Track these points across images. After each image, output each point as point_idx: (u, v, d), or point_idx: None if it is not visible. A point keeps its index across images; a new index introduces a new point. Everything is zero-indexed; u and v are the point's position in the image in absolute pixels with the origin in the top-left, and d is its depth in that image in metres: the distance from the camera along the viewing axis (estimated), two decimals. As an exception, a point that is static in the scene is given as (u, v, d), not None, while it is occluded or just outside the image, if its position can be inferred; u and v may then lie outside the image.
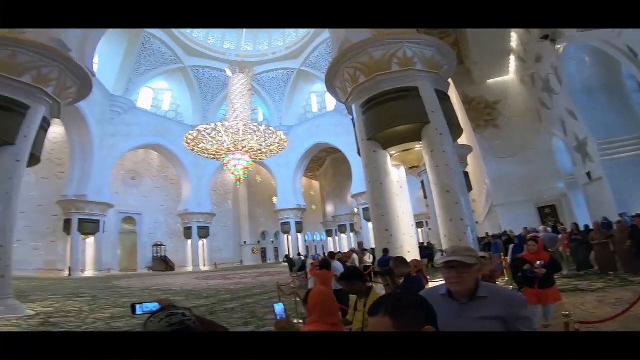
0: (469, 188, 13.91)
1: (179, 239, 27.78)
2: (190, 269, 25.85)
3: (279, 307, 2.20)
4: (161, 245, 26.95)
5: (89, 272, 19.84)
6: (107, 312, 6.96)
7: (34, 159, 7.29)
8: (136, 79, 24.38)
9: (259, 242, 34.90)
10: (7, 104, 6.71)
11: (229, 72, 22.11)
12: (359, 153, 9.01)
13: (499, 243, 10.43)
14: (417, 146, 8.30)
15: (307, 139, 28.62)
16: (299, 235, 28.63)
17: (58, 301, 8.61)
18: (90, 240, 20.42)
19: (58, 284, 13.90)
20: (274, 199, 33.84)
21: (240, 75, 21.09)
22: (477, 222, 12.38)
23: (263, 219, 35.60)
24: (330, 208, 35.40)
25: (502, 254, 9.04)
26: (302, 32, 28.30)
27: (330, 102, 29.14)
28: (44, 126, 7.63)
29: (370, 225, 21.16)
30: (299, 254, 18.22)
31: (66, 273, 19.39)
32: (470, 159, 17.36)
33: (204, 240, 27.31)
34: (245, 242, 33.75)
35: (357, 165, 22.88)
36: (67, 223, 19.85)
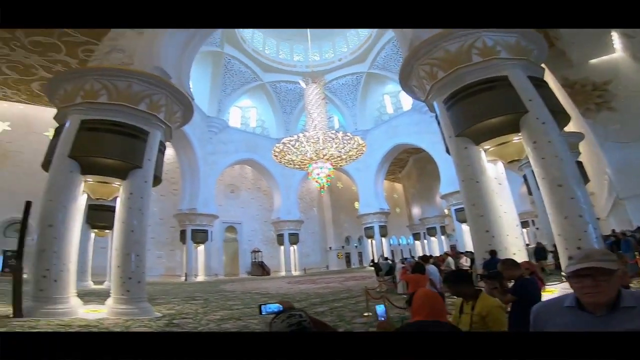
0: (585, 180, 11.94)
1: (273, 245, 29.74)
2: (283, 273, 27.44)
3: (380, 309, 2.26)
4: (258, 251, 29.19)
5: (201, 277, 22.33)
6: (218, 314, 7.47)
7: (157, 180, 8.37)
8: (225, 99, 27.01)
9: (343, 247, 35.23)
10: (133, 131, 7.69)
11: (302, 84, 22.65)
12: (447, 151, 8.49)
13: (631, 241, 8.91)
14: (516, 138, 7.47)
15: (385, 141, 28.09)
16: (384, 239, 28.06)
17: (178, 304, 9.40)
18: (201, 248, 23.09)
19: (177, 288, 15.41)
20: (356, 204, 33.92)
21: (313, 86, 21.50)
22: (598, 219, 10.52)
23: (347, 224, 35.92)
24: (416, 210, 33.94)
25: (636, 252, 7.63)
26: (363, 35, 28.23)
27: (406, 101, 28.25)
28: (161, 149, 8.62)
29: (464, 227, 19.66)
30: (386, 258, 17.87)
31: (183, 278, 21.92)
32: (582, 147, 14.93)
33: (295, 246, 28.73)
34: (330, 248, 34.41)
35: (444, 163, 21.61)
36: (183, 233, 22.89)
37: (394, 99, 30.69)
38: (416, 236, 34.64)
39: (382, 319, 2.18)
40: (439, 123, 8.79)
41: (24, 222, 6.57)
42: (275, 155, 20.49)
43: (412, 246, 37.25)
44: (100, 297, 9.24)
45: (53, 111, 8.56)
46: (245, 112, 31.27)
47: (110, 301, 7.06)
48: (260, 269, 27.60)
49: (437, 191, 26.82)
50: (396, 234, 38.87)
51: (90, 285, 15.36)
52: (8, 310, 6.37)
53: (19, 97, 21.59)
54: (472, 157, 7.63)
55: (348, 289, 12.74)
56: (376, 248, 27.33)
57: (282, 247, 28.68)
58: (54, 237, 6.51)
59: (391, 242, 34.43)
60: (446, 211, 28.35)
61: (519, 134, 7.17)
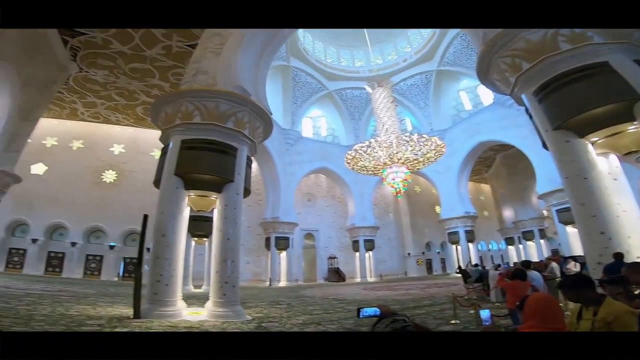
0: None
1: (348, 251, 29.81)
2: (358, 279, 27.24)
3: (485, 314, 2.19)
4: (334, 257, 29.57)
5: (283, 282, 23.35)
6: (300, 318, 7.64)
7: (247, 191, 9.05)
8: (297, 111, 28.11)
9: (423, 253, 33.61)
10: (224, 148, 8.44)
11: (368, 89, 22.56)
12: (544, 146, 7.56)
13: None
14: (631, 127, 6.34)
15: (466, 139, 26.21)
16: (470, 244, 25.97)
17: (265, 307, 9.79)
18: (283, 254, 24.21)
19: (263, 293, 16.54)
20: (437, 209, 32.19)
21: (380, 89, 21.29)
22: None
23: (427, 229, 34.26)
24: (508, 213, 30.80)
25: None
26: (426, 33, 27.06)
27: (486, 96, 26.18)
28: (249, 163, 9.28)
29: (569, 229, 17.24)
30: (475, 265, 16.54)
31: (267, 283, 23.24)
32: None
33: (370, 252, 28.39)
34: (409, 254, 33.13)
35: (540, 159, 19.39)
36: (267, 241, 24.39)
37: (471, 94, 28.69)
38: (509, 241, 31.49)
39: (487, 323, 2.15)
40: (530, 117, 7.92)
41: (142, 233, 7.73)
42: (348, 162, 20.67)
43: (504, 251, 34.17)
44: (199, 300, 10.09)
45: (156, 132, 9.90)
46: (316, 122, 32.23)
47: (209, 304, 7.67)
48: (336, 275, 27.85)
49: (533, 190, 24.06)
50: (485, 238, 35.99)
51: (191, 289, 17.05)
52: (129, 311, 7.27)
53: (128, 121, 25.51)
54: (576, 151, 6.67)
55: (431, 296, 12.25)
56: (462, 254, 25.47)
57: (357, 254, 28.55)
58: (166, 246, 7.49)
59: (479, 248, 31.88)
60: (545, 212, 25.24)
61: (634, 122, 6.11)
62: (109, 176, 25.50)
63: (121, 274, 23.93)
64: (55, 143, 25.10)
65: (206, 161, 8.19)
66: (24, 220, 22.85)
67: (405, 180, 19.35)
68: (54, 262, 23.22)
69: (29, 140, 17.00)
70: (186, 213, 8.36)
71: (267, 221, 24.41)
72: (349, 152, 20.24)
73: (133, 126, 26.07)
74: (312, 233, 30.24)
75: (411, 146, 18.36)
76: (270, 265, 23.86)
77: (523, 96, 7.78)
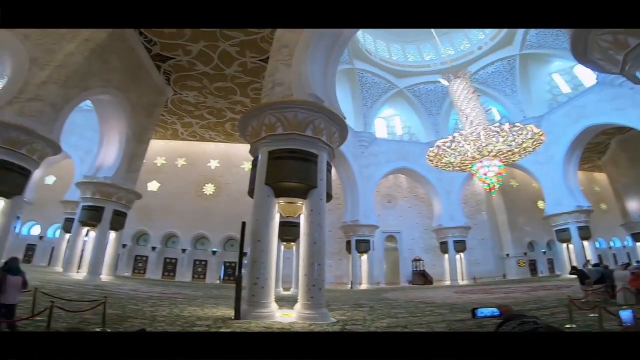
0: None
1: (435, 253, 28.24)
2: (448, 282, 25.61)
3: (626, 314, 2.08)
4: (419, 260, 28.27)
5: (364, 285, 23.14)
6: (384, 321, 7.53)
7: (329, 196, 9.27)
8: (368, 112, 27.79)
9: (525, 253, 29.99)
10: (306, 155, 8.74)
11: (444, 81, 21.52)
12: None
13: None
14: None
15: (569, 125, 22.85)
16: (585, 242, 22.34)
17: (348, 310, 9.82)
18: (364, 257, 24.08)
19: (345, 295, 16.62)
20: (540, 204, 28.57)
21: (457, 81, 20.14)
22: None
23: (528, 227, 30.53)
24: (634, 204, 25.95)
25: None
26: None
27: (587, 76, 22.98)
28: (328, 169, 9.43)
29: None
30: (596, 264, 14.20)
31: (349, 286, 23.34)
32: None
33: (461, 254, 26.43)
34: (507, 255, 29.88)
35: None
36: (348, 244, 24.59)
37: (567, 76, 25.45)
38: (636, 237, 26.70)
39: (629, 324, 2.04)
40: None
41: (241, 238, 8.44)
42: (430, 160, 19.70)
43: (631, 249, 29.40)
44: (288, 302, 10.52)
45: (244, 146, 10.76)
46: (390, 122, 31.52)
47: (297, 306, 7.94)
48: (422, 277, 26.64)
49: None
50: (604, 235, 31.29)
51: (281, 291, 17.94)
52: (231, 312, 7.90)
53: (219, 138, 28.53)
54: None
55: (538, 299, 11.16)
56: (576, 253, 22.08)
57: (446, 255, 26.87)
58: (261, 250, 8.04)
59: (597, 246, 27.42)
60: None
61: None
62: (209, 189, 28.77)
63: (222, 277, 26.59)
64: (164, 162, 29.25)
65: (291, 169, 8.58)
66: (145, 231, 27.07)
67: (499, 174, 17.67)
68: (169, 267, 26.94)
69: (144, 161, 20.24)
70: (277, 219, 8.87)
71: (347, 224, 24.61)
72: (431, 149, 19.32)
73: (224, 142, 29.00)
74: (394, 235, 29.52)
75: (502, 137, 16.74)
76: (351, 268, 23.96)
77: (639, 74, 6.68)
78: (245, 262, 8.68)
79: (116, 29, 14.17)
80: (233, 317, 7.51)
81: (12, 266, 5.30)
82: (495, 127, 16.99)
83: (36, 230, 27.68)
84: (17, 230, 24.13)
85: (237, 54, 17.64)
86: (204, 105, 23.18)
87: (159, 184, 28.53)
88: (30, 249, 26.49)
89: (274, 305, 8.02)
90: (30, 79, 11.93)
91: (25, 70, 12.03)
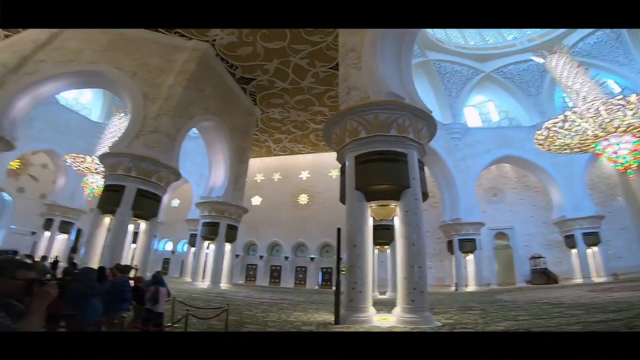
0: None
1: (559, 248, 24.20)
2: (578, 280, 21.62)
3: None
4: (539, 257, 24.58)
5: (471, 287, 21.37)
6: (500, 324, 6.92)
7: (425, 195, 8.78)
8: (454, 103, 25.81)
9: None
10: (394, 156, 8.49)
11: (537, 59, 19.46)
12: None
13: None
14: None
15: None
16: None
17: (455, 313, 9.29)
18: (470, 257, 22.23)
19: (449, 298, 15.59)
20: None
21: (554, 56, 18.04)
22: None
23: (687, 210, 23.91)
24: None
25: None
26: None
27: None
28: (421, 166, 9.00)
29: None
30: None
31: (453, 288, 21.87)
32: None
33: (594, 247, 22.06)
34: (660, 245, 23.77)
35: None
36: (449, 244, 23.01)
37: None
38: None
39: None
40: None
41: (338, 244, 8.61)
42: (540, 144, 17.36)
43: None
44: (385, 306, 10.27)
45: (329, 154, 10.94)
46: (482, 108, 28.73)
47: (397, 310, 7.67)
48: (544, 276, 23.11)
49: None
50: None
51: (377, 295, 17.56)
52: (330, 317, 8.07)
53: (306, 149, 30.07)
54: None
55: None
56: None
57: (573, 251, 22.75)
58: (357, 255, 8.07)
59: None
60: None
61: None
62: (303, 199, 30.55)
63: (320, 282, 27.62)
64: (263, 178, 32.10)
65: (380, 171, 8.44)
66: (254, 241, 29.99)
67: (635, 151, 14.51)
68: (275, 274, 29.23)
69: (246, 179, 22.45)
70: (370, 223, 8.80)
71: (446, 224, 23.03)
72: (539, 132, 17.04)
73: (311, 152, 30.45)
74: (505, 232, 26.44)
75: (631, 109, 13.86)
76: (454, 269, 22.40)
77: None
78: (343, 267, 8.80)
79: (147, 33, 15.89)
80: (333, 322, 7.67)
81: (159, 279, 6.39)
82: (618, 100, 14.18)
83: (169, 246, 33.11)
84: (155, 247, 29.30)
85: (308, 66, 18.42)
86: (288, 120, 24.72)
87: (260, 199, 31.43)
88: (165, 263, 31.79)
89: (371, 310, 7.95)
90: (146, 113, 13.84)
91: (141, 105, 14.00)
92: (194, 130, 18.79)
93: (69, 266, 7.65)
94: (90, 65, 15.29)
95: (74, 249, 10.31)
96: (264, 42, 16.80)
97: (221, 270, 19.09)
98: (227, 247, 20.05)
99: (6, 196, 25.53)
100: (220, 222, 19.26)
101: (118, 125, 20.78)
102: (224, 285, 19.30)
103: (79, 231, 11.42)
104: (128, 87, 14.74)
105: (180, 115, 14.82)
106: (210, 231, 19.19)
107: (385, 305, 10.39)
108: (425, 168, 10.57)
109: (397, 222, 8.51)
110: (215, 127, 18.84)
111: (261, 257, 29.47)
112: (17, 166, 25.75)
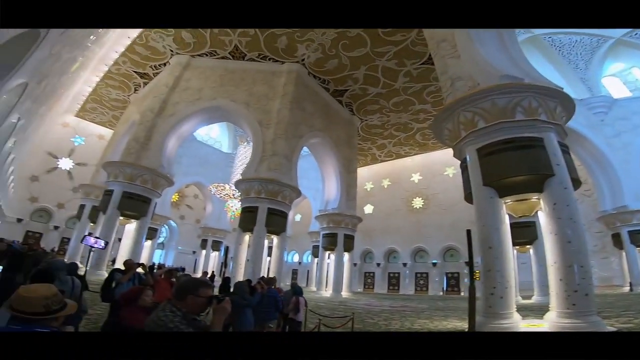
0: None
1: None
2: None
3: None
4: None
5: None
6: None
7: (577, 182, 7.39)
8: (585, 75, 21.69)
9: None
10: (526, 142, 7.39)
11: None
12: None
13: None
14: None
15: None
16: None
17: (635, 317, 8.05)
18: (647, 251, 17.52)
19: (622, 300, 12.88)
20: None
21: None
22: None
23: None
24: None
25: None
26: None
27: None
28: (564, 150, 7.68)
29: None
30: None
31: (626, 288, 17.78)
32: None
33: None
34: None
35: None
36: (615, 237, 18.84)
37: None
38: None
39: None
40: None
41: (469, 248, 7.84)
42: None
43: None
44: (532, 311, 9.16)
45: (440, 153, 10.12)
46: (626, 77, 23.14)
47: (551, 316, 6.62)
48: None
49: None
50: None
51: (519, 300, 15.54)
52: (462, 324, 7.41)
53: (414, 151, 28.79)
54: None
55: None
56: None
57: None
58: (495, 258, 7.18)
59: None
60: None
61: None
62: (417, 202, 29.30)
63: (445, 288, 25.62)
64: (372, 186, 32.13)
65: (511, 162, 7.42)
66: (370, 249, 30.08)
67: None
68: (393, 280, 28.59)
69: (356, 189, 22.81)
70: (507, 222, 7.78)
71: (608, 213, 18.92)
72: None
73: (419, 153, 29.08)
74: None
75: None
76: (627, 266, 18.26)
77: None
78: (476, 271, 7.99)
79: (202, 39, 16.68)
80: (467, 330, 7.11)
81: (298, 289, 6.96)
82: None
83: (296, 258, 35.97)
84: (285, 259, 32.18)
85: (396, 66, 17.79)
86: (389, 124, 24.24)
87: (372, 207, 31.47)
88: (294, 273, 34.52)
89: (516, 316, 7.05)
90: (264, 138, 15.53)
91: (259, 132, 15.78)
92: (305, 148, 20.07)
93: (225, 281, 8.99)
94: (211, 101, 17.68)
95: (224, 264, 12.20)
96: (346, 52, 17.07)
97: (342, 279, 19.69)
98: (346, 256, 20.62)
99: (172, 224, 32.21)
100: (338, 233, 20.08)
101: (244, 153, 24.03)
102: (344, 293, 19.78)
103: (226, 248, 13.45)
104: (245, 117, 16.84)
105: (291, 136, 16.21)
106: (330, 241, 20.13)
107: (531, 311, 9.33)
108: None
109: (543, 218, 7.31)
110: (322, 142, 19.89)
111: (378, 264, 29.27)
112: (177, 198, 32.28)
